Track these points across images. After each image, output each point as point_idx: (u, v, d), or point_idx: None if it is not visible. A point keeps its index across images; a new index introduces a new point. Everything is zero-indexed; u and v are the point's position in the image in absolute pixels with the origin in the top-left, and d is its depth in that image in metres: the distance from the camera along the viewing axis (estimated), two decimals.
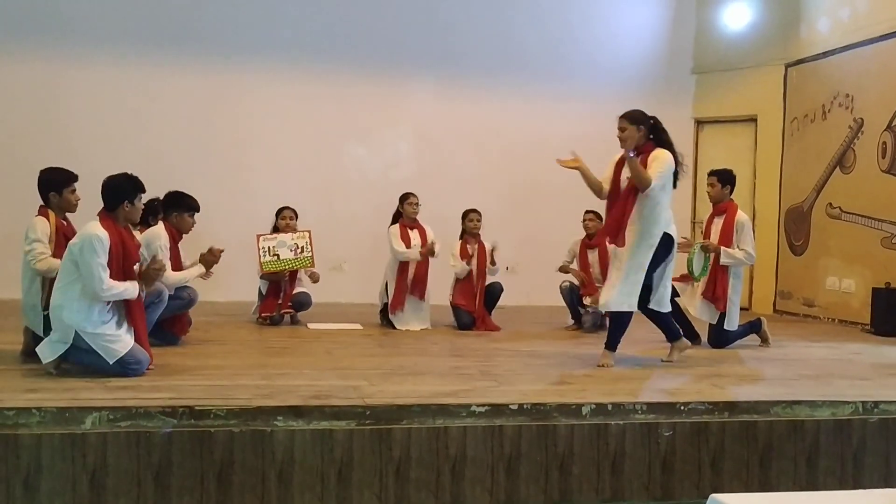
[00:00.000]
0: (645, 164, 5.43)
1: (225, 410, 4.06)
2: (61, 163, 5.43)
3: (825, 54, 9.11)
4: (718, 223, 6.69)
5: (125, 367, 4.68)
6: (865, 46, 8.55)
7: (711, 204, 6.90)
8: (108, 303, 4.69)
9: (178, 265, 6.03)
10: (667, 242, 5.48)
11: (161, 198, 6.22)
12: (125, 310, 4.83)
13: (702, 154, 10.49)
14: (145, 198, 5.11)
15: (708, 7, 10.29)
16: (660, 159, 5.45)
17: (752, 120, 10.06)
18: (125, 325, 4.81)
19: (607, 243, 6.30)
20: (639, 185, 5.37)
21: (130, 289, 4.75)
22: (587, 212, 7.68)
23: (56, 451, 3.82)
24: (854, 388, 5.17)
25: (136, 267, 5.00)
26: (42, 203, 5.27)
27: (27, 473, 3.79)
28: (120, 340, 4.71)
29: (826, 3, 9.17)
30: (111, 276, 4.65)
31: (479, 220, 7.62)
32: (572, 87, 10.05)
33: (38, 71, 8.79)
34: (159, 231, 5.96)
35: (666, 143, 5.59)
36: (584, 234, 7.74)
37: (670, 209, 5.55)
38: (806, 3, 9.44)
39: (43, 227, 5.14)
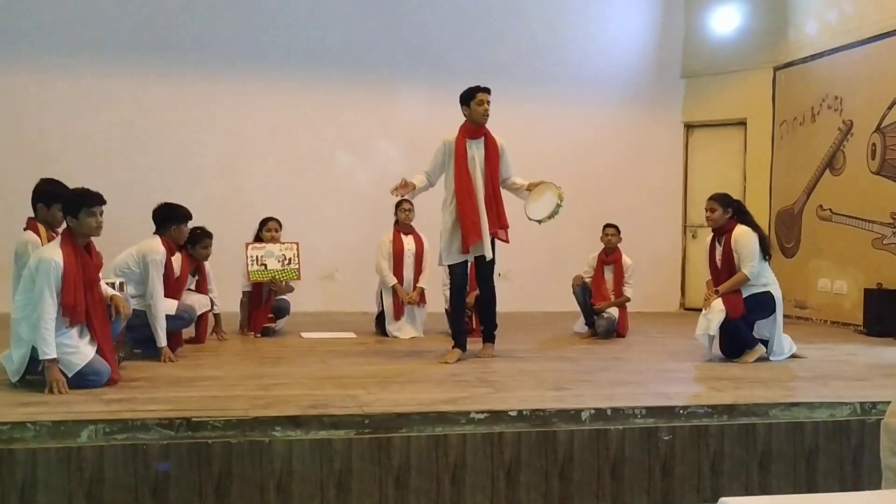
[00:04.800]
0: (728, 241, 6.08)
1: (222, 421, 4.03)
2: (46, 175, 5.37)
3: (813, 57, 9.15)
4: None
5: (83, 380, 4.64)
6: (854, 48, 8.59)
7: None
8: (65, 315, 4.62)
9: (172, 279, 6.01)
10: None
11: (196, 228, 6.40)
12: (86, 321, 4.75)
13: (692, 158, 10.53)
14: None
15: (696, 11, 10.33)
16: (741, 242, 6.04)
17: (742, 123, 10.09)
18: (87, 337, 4.76)
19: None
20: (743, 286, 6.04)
21: (45, 349, 4.50)
22: (607, 226, 7.59)
23: (52, 465, 3.78)
24: (851, 389, 5.18)
25: (108, 289, 4.97)
26: (31, 215, 5.22)
27: (22, 489, 3.74)
28: (78, 352, 4.66)
29: (813, 5, 9.22)
30: (66, 296, 4.57)
31: None
32: (562, 93, 10.07)
33: (22, 81, 8.70)
34: (155, 245, 5.89)
35: (750, 224, 6.17)
36: (602, 248, 7.61)
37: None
38: (793, 6, 9.49)
39: (34, 246, 5.06)
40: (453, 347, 6.14)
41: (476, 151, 5.98)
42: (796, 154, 9.42)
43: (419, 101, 9.77)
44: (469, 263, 6.21)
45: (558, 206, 5.85)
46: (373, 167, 9.60)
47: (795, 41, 9.45)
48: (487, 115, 5.97)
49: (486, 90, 6.00)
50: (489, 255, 5.97)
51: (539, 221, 5.98)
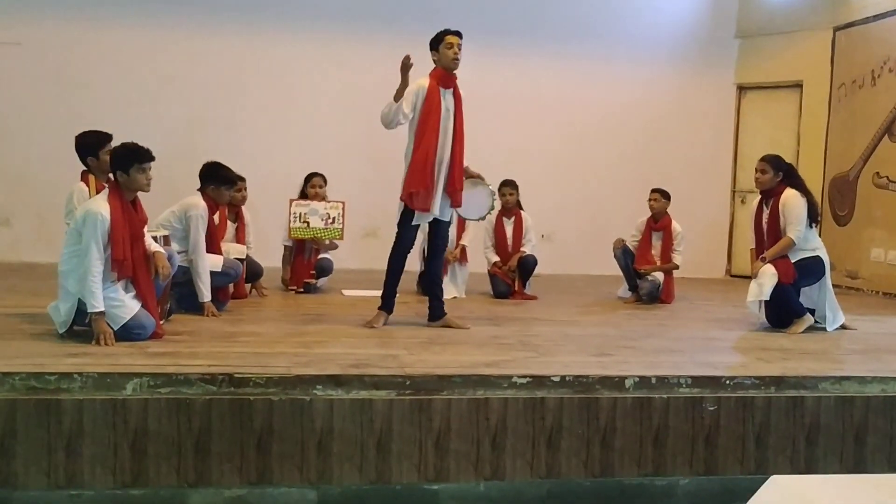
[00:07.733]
0: (777, 204, 5.91)
1: (264, 378, 4.03)
2: (97, 126, 5.41)
3: (876, 17, 8.80)
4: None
5: (128, 333, 4.67)
6: None
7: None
8: (113, 269, 4.65)
9: (215, 236, 6.02)
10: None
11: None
12: (132, 276, 4.77)
13: (743, 121, 10.27)
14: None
15: None
16: (789, 205, 5.87)
17: (798, 86, 9.79)
18: (132, 291, 4.79)
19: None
20: (790, 251, 5.89)
21: (93, 302, 4.55)
22: (653, 191, 7.44)
23: (97, 416, 3.82)
24: None
25: (151, 243, 4.96)
26: (84, 168, 5.27)
27: (69, 438, 3.80)
28: (124, 306, 4.69)
29: None
30: (115, 250, 4.60)
31: (510, 195, 7.49)
32: (613, 51, 9.83)
33: (71, 33, 8.72)
34: (196, 201, 5.88)
35: (800, 188, 5.99)
36: (649, 213, 7.45)
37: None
38: None
39: (81, 196, 5.12)
40: (379, 308, 5.75)
41: (448, 102, 5.52)
42: (854, 119, 9.12)
43: (467, 59, 9.56)
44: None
45: (492, 209, 6.02)
46: None
47: (857, 1, 9.09)
48: (458, 60, 5.51)
49: (456, 33, 5.56)
50: (446, 217, 5.57)
51: (469, 219, 6.15)
